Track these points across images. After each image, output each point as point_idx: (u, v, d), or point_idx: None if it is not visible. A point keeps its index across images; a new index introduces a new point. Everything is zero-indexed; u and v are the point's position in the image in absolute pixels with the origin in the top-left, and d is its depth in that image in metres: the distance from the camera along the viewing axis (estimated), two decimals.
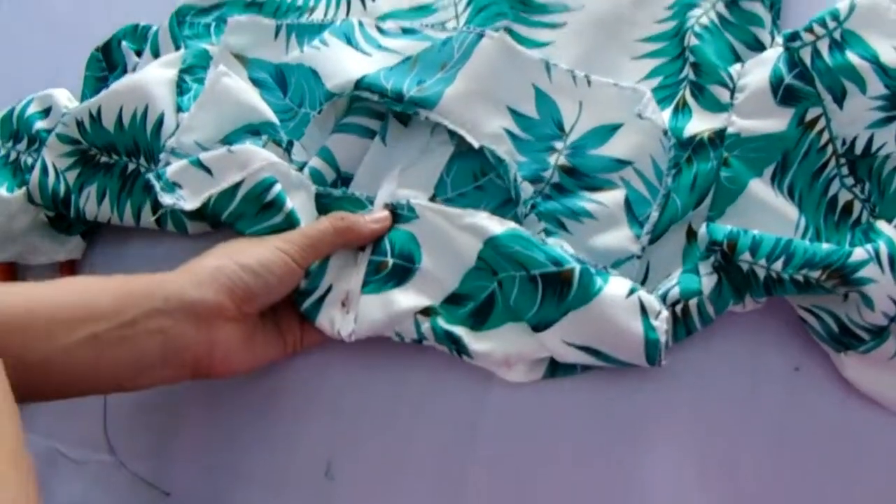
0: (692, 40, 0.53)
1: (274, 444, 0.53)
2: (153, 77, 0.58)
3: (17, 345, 0.42)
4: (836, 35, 0.49)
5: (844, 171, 0.49)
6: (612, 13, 0.57)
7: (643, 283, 0.50)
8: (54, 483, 0.56)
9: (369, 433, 0.52)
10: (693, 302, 0.47)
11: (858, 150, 0.49)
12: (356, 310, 0.50)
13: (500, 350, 0.49)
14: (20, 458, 0.34)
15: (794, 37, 0.50)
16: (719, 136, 0.50)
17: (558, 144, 0.53)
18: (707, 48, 0.53)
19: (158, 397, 0.55)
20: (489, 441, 0.50)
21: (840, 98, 0.48)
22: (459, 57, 0.54)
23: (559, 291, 0.47)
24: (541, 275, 0.48)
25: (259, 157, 0.53)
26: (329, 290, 0.52)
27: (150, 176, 0.54)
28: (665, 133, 0.51)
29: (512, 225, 0.50)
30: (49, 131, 0.59)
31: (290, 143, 0.56)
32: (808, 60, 0.49)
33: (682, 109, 0.53)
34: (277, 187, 0.52)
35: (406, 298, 0.50)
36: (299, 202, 0.53)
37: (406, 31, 0.58)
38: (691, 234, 0.50)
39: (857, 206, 0.49)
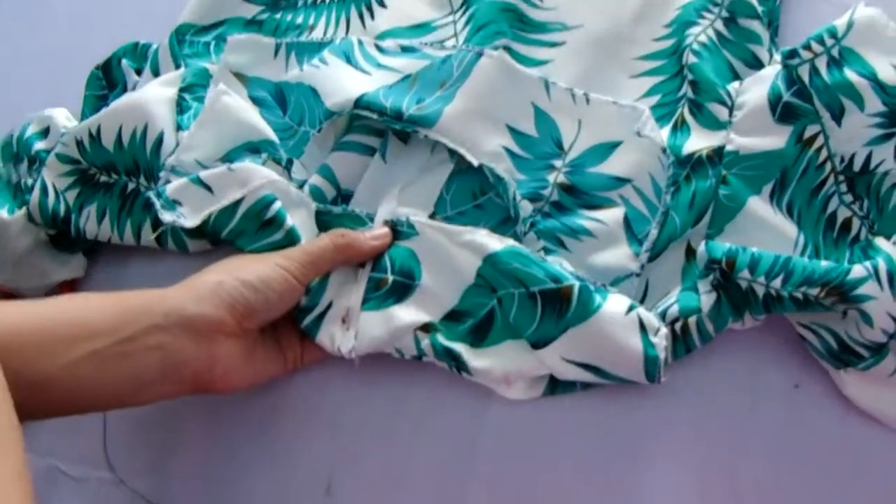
0: (691, 58, 0.54)
1: (274, 461, 0.53)
2: (153, 96, 0.58)
3: (17, 362, 0.41)
4: (835, 52, 0.49)
5: (843, 188, 0.49)
6: (611, 31, 0.57)
7: (642, 300, 0.50)
8: (54, 501, 0.56)
9: (369, 449, 0.52)
10: (692, 320, 0.47)
11: (857, 167, 0.49)
12: (356, 326, 0.50)
13: (500, 367, 0.49)
14: (22, 477, 0.34)
15: (792, 54, 0.50)
16: (718, 154, 0.51)
17: (557, 162, 0.53)
18: (705, 66, 0.53)
19: (158, 414, 0.55)
20: (489, 458, 0.50)
21: (838, 115, 0.48)
22: (459, 75, 0.54)
23: (558, 308, 0.47)
24: (540, 292, 0.48)
25: (259, 174, 0.53)
26: (329, 306, 0.51)
27: (151, 194, 0.54)
28: (664, 151, 0.51)
29: (511, 242, 0.50)
30: (48, 151, 0.59)
31: (290, 162, 0.56)
32: (806, 78, 0.49)
33: (680, 127, 0.53)
34: (277, 205, 0.52)
35: (406, 314, 0.50)
36: (299, 219, 0.53)
37: (405, 50, 0.58)
38: (690, 252, 0.50)
39: (856, 223, 0.49)
